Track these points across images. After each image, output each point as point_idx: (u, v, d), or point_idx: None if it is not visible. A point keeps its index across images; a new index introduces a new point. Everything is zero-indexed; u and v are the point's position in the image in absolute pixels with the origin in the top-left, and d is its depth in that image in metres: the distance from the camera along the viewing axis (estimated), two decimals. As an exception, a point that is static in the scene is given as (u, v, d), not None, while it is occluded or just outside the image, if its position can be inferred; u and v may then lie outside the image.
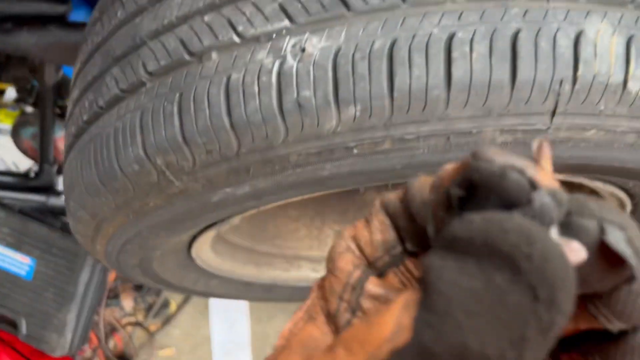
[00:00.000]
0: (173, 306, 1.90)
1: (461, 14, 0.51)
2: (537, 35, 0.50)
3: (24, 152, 1.86)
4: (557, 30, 0.51)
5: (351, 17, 0.53)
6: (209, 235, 0.92)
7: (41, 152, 1.67)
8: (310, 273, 1.34)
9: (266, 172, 0.59)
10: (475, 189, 0.25)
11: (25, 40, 1.16)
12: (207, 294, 1.28)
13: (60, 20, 1.20)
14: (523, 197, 0.24)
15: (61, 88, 1.58)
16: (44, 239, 1.75)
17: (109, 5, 0.72)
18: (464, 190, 0.25)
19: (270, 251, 1.27)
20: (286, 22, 0.54)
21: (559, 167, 0.64)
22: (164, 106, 0.58)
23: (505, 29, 0.50)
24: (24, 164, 1.91)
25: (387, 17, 0.52)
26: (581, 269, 0.24)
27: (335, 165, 0.57)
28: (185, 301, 1.88)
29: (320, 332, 0.30)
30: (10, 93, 1.88)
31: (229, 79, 0.55)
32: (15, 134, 1.79)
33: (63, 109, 1.71)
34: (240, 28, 0.55)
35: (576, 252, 0.24)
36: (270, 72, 0.53)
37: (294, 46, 0.53)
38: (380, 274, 0.29)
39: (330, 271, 0.30)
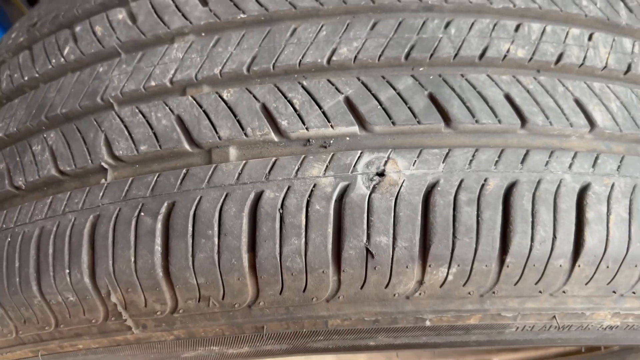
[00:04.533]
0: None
1: (595, 159, 0.38)
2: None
3: None
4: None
5: (449, 134, 0.37)
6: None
7: None
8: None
9: (286, 335, 0.39)
10: None
11: None
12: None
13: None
14: None
15: None
16: None
17: (46, 30, 0.49)
18: None
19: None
20: (356, 128, 0.37)
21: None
22: (138, 218, 0.37)
23: (647, 186, 0.38)
24: None
25: (501, 146, 0.37)
26: None
27: (392, 337, 0.40)
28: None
29: None
30: None
31: (259, 196, 0.36)
32: None
33: None
34: (282, 122, 0.37)
35: None
36: (329, 198, 0.35)
37: (368, 165, 0.36)
38: None
39: None
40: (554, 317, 0.40)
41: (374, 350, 0.46)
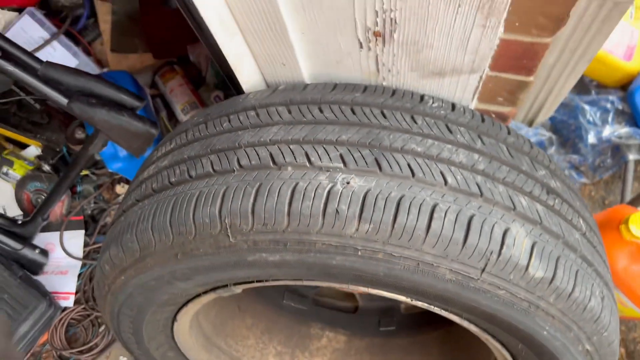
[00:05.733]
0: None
1: (443, 195, 0.86)
2: (483, 222, 0.85)
3: (19, 200, 2.03)
4: (495, 223, 0.86)
5: (380, 174, 0.87)
6: (200, 302, 1.14)
7: (42, 206, 1.85)
8: (244, 381, 1.50)
9: (296, 249, 0.87)
10: None
11: (100, 116, 1.47)
12: (156, 366, 1.41)
13: (132, 111, 1.53)
14: None
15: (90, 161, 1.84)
16: (1, 282, 1.84)
17: (215, 117, 1.06)
18: None
19: (221, 346, 1.45)
20: (341, 165, 0.88)
21: (478, 312, 0.95)
22: (245, 188, 0.88)
23: (467, 211, 0.85)
24: (12, 211, 2.05)
25: (401, 181, 0.87)
26: None
27: (342, 259, 0.87)
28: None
29: None
30: (32, 150, 2.11)
31: (296, 184, 0.86)
32: (21, 182, 1.99)
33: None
34: (312, 159, 0.89)
35: None
36: (325, 188, 0.85)
37: (343, 179, 0.86)
38: None
39: None
40: (419, 263, 0.85)
41: (334, 275, 0.91)
